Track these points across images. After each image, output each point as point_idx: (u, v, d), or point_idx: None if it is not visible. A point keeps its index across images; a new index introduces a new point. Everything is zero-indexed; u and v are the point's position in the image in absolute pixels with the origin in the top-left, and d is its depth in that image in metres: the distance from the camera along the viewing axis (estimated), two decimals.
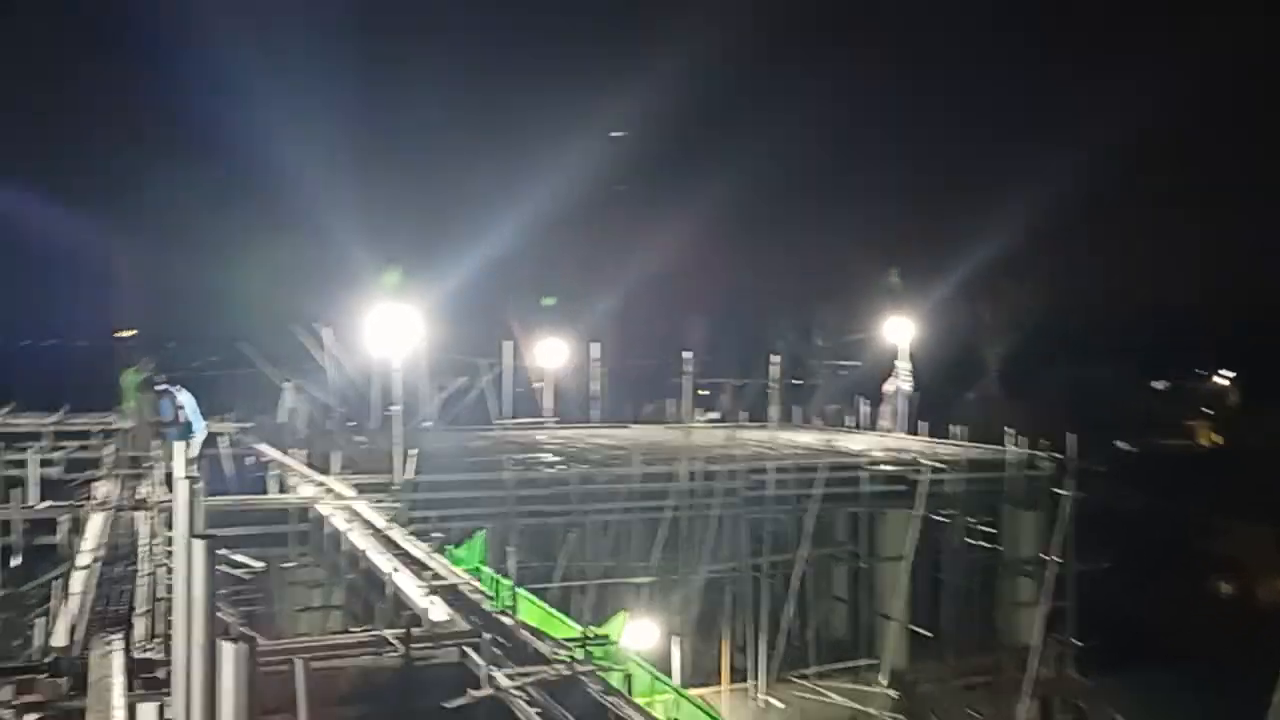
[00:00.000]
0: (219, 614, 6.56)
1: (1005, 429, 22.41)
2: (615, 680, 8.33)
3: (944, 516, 21.87)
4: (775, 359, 24.69)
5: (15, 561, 13.13)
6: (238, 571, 13.67)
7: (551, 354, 31.92)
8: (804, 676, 21.28)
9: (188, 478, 5.07)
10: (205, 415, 23.08)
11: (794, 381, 28.88)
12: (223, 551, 13.45)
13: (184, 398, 17.34)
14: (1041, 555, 21.16)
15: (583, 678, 7.77)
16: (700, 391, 29.55)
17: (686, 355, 23.28)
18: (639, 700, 8.43)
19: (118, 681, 6.86)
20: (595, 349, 30.86)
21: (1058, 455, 21.93)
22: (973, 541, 22.32)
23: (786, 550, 21.35)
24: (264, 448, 19.76)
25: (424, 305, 22.75)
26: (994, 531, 22.52)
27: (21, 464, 19.68)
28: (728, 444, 23.63)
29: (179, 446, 16.62)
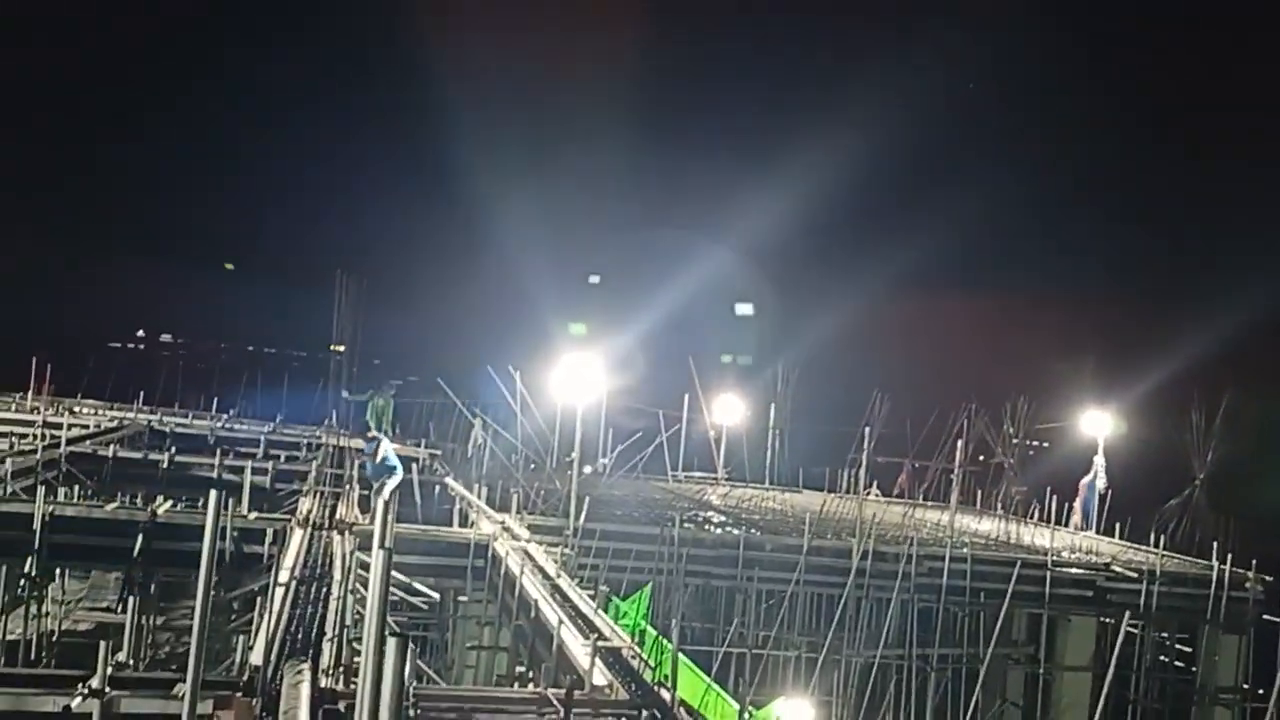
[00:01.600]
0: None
1: (1214, 542, 20.94)
2: None
3: (1134, 628, 20.58)
4: (960, 441, 23.99)
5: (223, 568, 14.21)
6: (416, 600, 14.41)
7: (728, 411, 32.08)
8: None
9: (383, 548, 5.47)
10: (401, 438, 24.50)
11: (977, 467, 27.92)
12: (403, 579, 14.24)
13: (387, 445, 18.52)
14: (1244, 686, 19.59)
15: None
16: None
17: (867, 428, 22.93)
18: None
19: (303, 714, 7.39)
20: (772, 410, 30.80)
21: (1268, 578, 20.31)
22: (1166, 659, 20.89)
23: (959, 644, 20.58)
24: (450, 480, 20.69)
25: (608, 355, 23.38)
26: (1190, 651, 21.00)
27: (239, 470, 21.39)
28: (903, 523, 23.06)
29: (392, 479, 17.69)
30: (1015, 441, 28.88)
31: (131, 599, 15.20)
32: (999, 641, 21.09)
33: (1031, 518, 26.57)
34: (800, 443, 31.63)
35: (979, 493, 27.81)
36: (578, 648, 10.91)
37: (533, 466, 22.21)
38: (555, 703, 9.04)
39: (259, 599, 13.94)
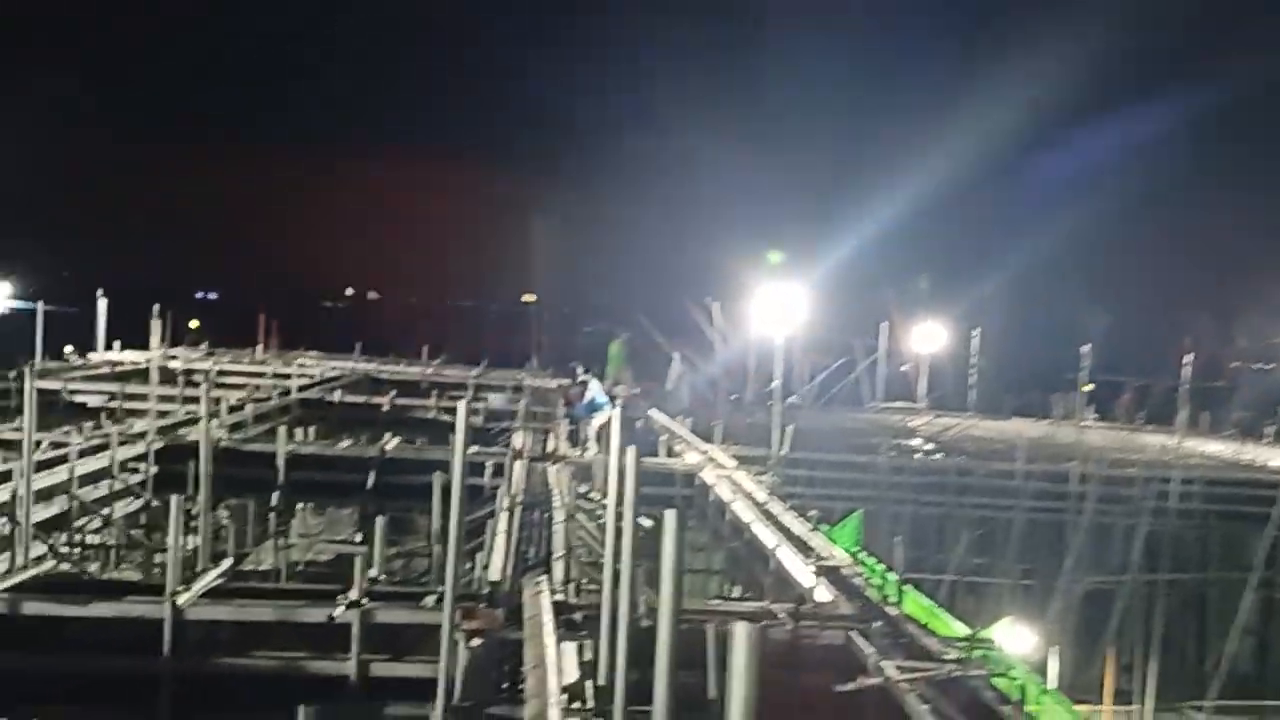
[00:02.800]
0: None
1: None
2: (1006, 686, 8.10)
3: None
4: (1187, 358, 22.40)
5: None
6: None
7: (929, 338, 31.11)
8: (1198, 709, 19.33)
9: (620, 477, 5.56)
10: (599, 379, 25.02)
11: (1207, 385, 26.05)
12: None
13: (594, 385, 18.99)
14: None
15: (975, 680, 7.64)
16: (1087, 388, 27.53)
17: (1084, 349, 21.74)
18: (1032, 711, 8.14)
19: (547, 620, 7.71)
20: (975, 336, 29.64)
21: None
22: None
23: (1187, 569, 19.44)
24: (654, 413, 21.03)
25: (806, 285, 23.02)
26: None
27: (453, 410, 22.40)
28: (1125, 447, 21.85)
29: (599, 416, 18.18)
30: (1243, 360, 26.82)
31: (367, 530, 16.24)
32: (1232, 565, 19.81)
33: (1262, 438, 24.68)
34: (1008, 369, 30.39)
35: (1206, 414, 26.01)
36: (797, 567, 10.92)
37: (734, 398, 22.28)
38: (782, 615, 9.09)
39: (487, 525, 14.66)
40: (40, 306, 24.70)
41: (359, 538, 21.24)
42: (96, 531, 13.45)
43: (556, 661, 6.80)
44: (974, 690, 7.64)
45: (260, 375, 25.15)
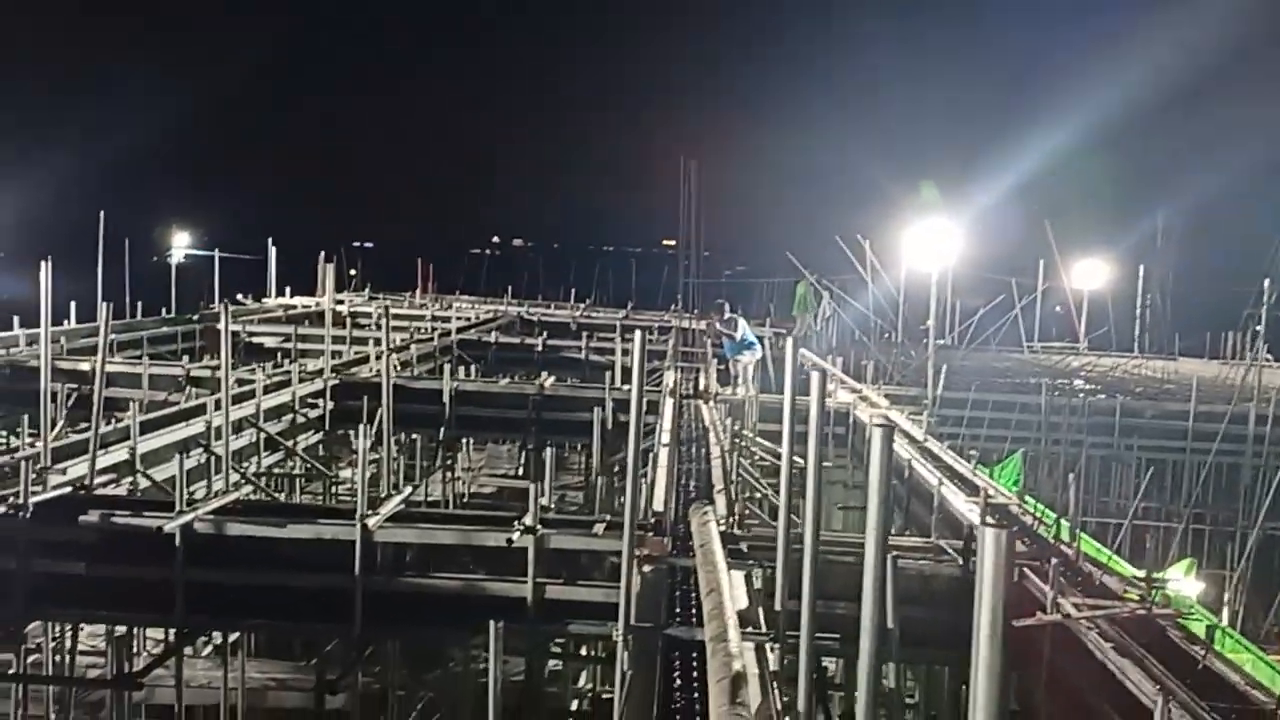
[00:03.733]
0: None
1: None
2: (1193, 628, 7.84)
3: None
4: None
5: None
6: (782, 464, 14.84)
7: (1090, 275, 29.78)
8: None
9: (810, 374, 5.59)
10: (747, 319, 24.97)
11: None
12: (770, 446, 14.68)
13: (743, 324, 19.02)
14: None
15: (1160, 620, 7.43)
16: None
17: (1264, 284, 20.45)
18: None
19: (718, 547, 7.86)
20: (1141, 271, 28.21)
21: None
22: None
23: None
24: (805, 352, 20.89)
25: (961, 219, 22.33)
26: None
27: (603, 351, 22.84)
28: None
29: (748, 354, 18.25)
30: None
31: (528, 463, 16.82)
32: None
33: None
34: (1178, 306, 28.83)
35: None
36: (960, 505, 10.77)
37: (885, 336, 21.90)
38: (950, 551, 9.02)
39: (646, 460, 14.93)
40: (217, 254, 26.21)
41: (519, 471, 22.09)
42: (280, 463, 14.30)
43: (730, 586, 6.94)
44: (1159, 630, 7.43)
45: (419, 318, 26.11)
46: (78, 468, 9.93)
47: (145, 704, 10.66)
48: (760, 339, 23.46)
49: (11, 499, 8.54)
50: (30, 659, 10.27)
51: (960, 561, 8.77)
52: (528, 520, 8.74)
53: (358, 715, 9.39)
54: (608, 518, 9.75)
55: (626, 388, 17.59)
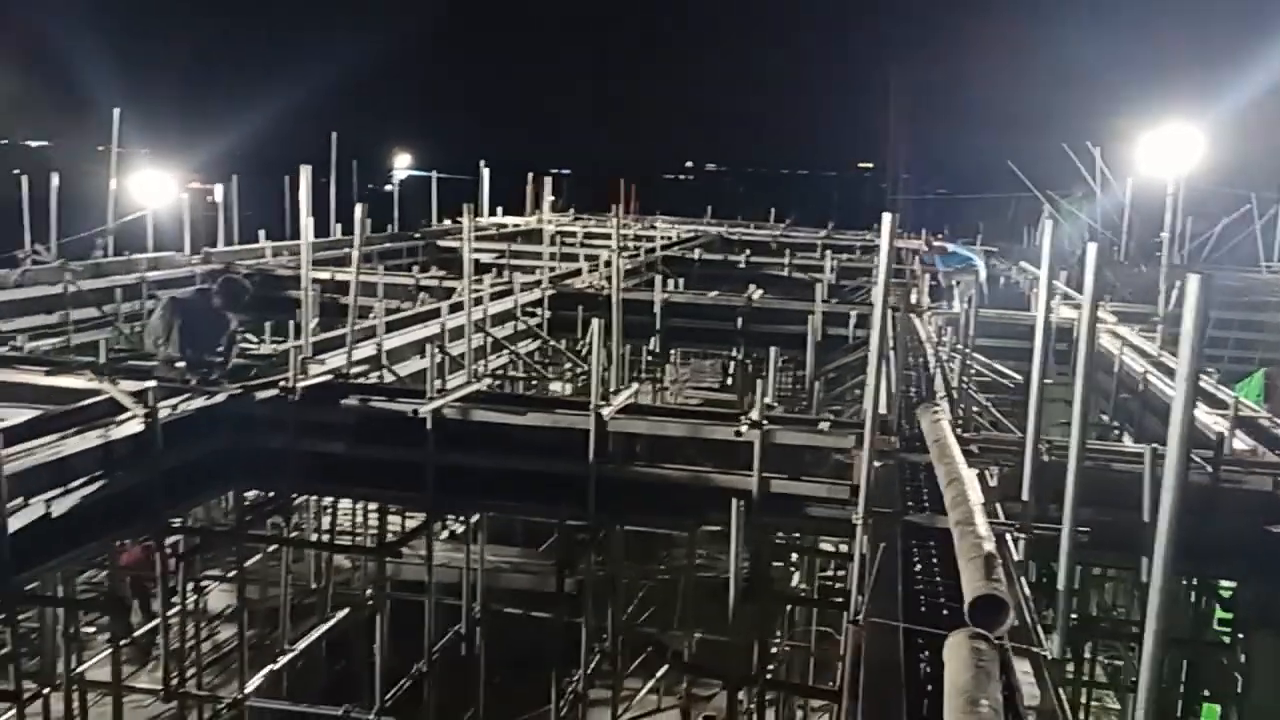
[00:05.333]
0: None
1: None
2: None
3: None
4: None
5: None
6: (1004, 381, 14.43)
7: None
8: None
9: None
10: (959, 239, 24.21)
11: None
12: (986, 361, 14.28)
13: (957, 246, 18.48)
14: None
15: None
16: None
17: None
18: None
19: (952, 441, 7.78)
20: None
21: None
22: None
23: None
24: (1025, 264, 20.08)
25: (1199, 127, 20.66)
26: None
27: (805, 269, 22.65)
28: None
29: (959, 269, 17.77)
30: None
31: (736, 375, 17.01)
32: None
33: None
34: None
35: None
36: (1205, 417, 10.22)
37: (1114, 247, 20.69)
38: (1197, 459, 8.59)
39: (858, 370, 14.85)
40: (435, 175, 27.40)
41: (731, 380, 22.35)
42: (500, 369, 15.02)
43: (971, 476, 6.88)
44: None
45: (623, 237, 26.53)
46: (334, 360, 10.76)
47: (392, 580, 11.57)
48: (976, 255, 22.75)
49: (282, 383, 9.35)
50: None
51: (1209, 470, 8.37)
52: (754, 415, 8.89)
53: (589, 600, 9.89)
54: (831, 416, 9.80)
55: (835, 301, 17.50)
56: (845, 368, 15.18)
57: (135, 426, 8.16)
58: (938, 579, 6.10)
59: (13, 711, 8.22)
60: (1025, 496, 6.65)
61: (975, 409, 12.80)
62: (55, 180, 15.75)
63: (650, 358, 17.50)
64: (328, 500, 12.76)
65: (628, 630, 12.15)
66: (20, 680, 7.99)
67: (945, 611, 5.61)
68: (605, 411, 9.03)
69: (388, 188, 33.73)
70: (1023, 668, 4.89)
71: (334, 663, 11.76)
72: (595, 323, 9.81)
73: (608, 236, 27.22)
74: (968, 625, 4.74)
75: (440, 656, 10.20)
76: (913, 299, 17.50)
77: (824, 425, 9.13)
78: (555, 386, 17.79)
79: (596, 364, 9.70)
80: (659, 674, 13.19)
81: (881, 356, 7.22)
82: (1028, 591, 6.04)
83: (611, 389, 10.06)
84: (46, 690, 8.26)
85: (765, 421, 8.90)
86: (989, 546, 5.56)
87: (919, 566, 6.32)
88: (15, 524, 7.09)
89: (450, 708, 9.90)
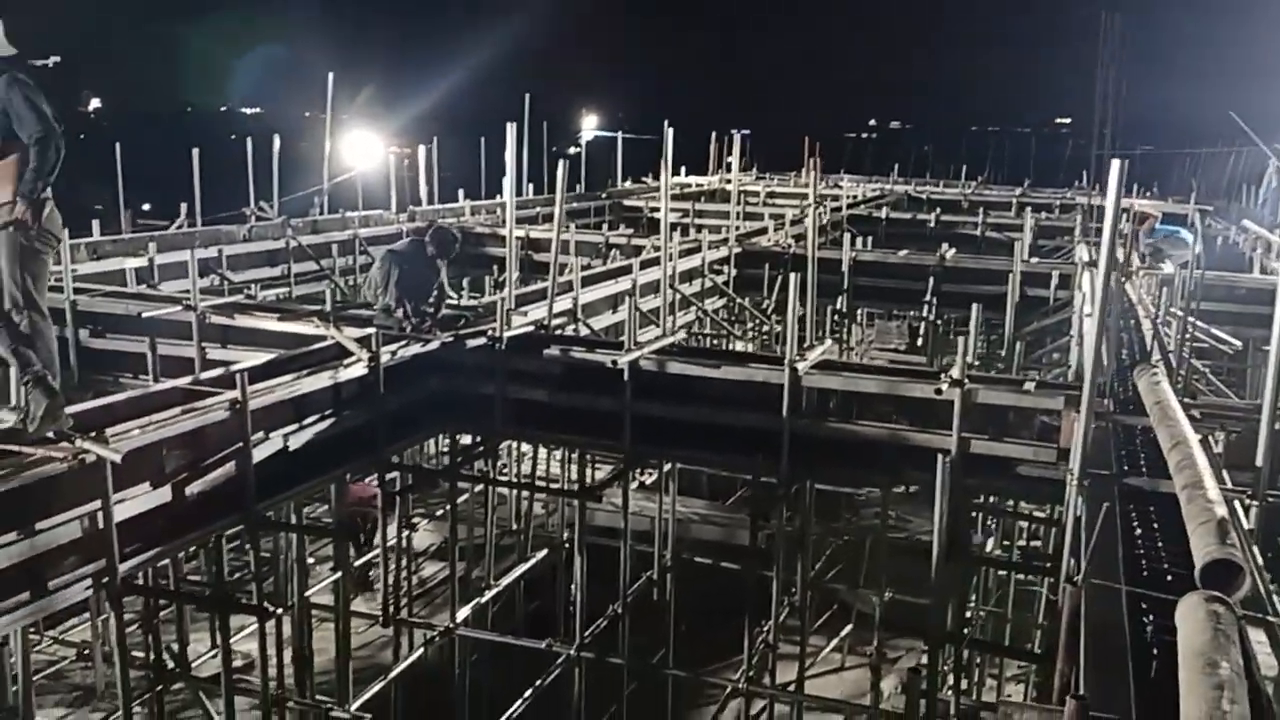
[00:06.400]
0: None
1: None
2: None
3: None
4: None
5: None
6: (1222, 346, 13.57)
7: None
8: None
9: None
10: (1169, 196, 22.70)
11: None
12: (1202, 325, 13.46)
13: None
14: None
15: None
16: None
17: None
18: None
19: (1175, 404, 7.41)
20: None
21: None
22: None
23: None
24: (1247, 224, 18.73)
25: None
26: None
27: (999, 228, 21.84)
28: None
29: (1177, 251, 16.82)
30: None
31: (926, 335, 16.63)
32: None
33: None
34: None
35: None
36: None
37: None
38: None
39: (1059, 330, 14.31)
40: (619, 135, 27.76)
41: (920, 342, 21.86)
42: (690, 324, 15.19)
43: (1196, 440, 6.55)
44: None
45: (804, 196, 26.22)
46: (535, 312, 11.16)
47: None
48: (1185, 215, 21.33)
49: (490, 332, 9.78)
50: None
51: None
52: (954, 373, 8.71)
53: (780, 553, 9.97)
54: (1036, 376, 9.49)
55: (1035, 260, 16.81)
56: (1044, 330, 14.62)
57: (359, 370, 8.73)
58: (1160, 544, 5.87)
59: (254, 625, 9.02)
60: (1260, 462, 6.28)
61: (1194, 375, 12.16)
62: (277, 142, 16.84)
63: (835, 317, 17.29)
64: (527, 446, 13.30)
65: (815, 586, 12.19)
66: (262, 599, 8.74)
67: (1169, 577, 5.41)
68: (800, 366, 9.04)
69: (571, 150, 34.38)
70: (1258, 637, 4.68)
71: (530, 601, 12.34)
72: (793, 277, 9.78)
73: (791, 196, 27.01)
74: (1199, 589, 4.57)
75: (632, 600, 10.53)
76: (1121, 259, 16.65)
77: (1029, 385, 8.85)
78: (739, 346, 17.86)
79: (791, 318, 9.69)
80: (843, 632, 13.21)
81: (1104, 314, 6.93)
82: (1260, 560, 5.74)
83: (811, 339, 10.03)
84: (279, 610, 9.01)
85: (967, 380, 8.70)
86: (1220, 511, 5.32)
87: (1139, 531, 6.09)
88: (258, 455, 7.73)
89: (643, 649, 10.21)
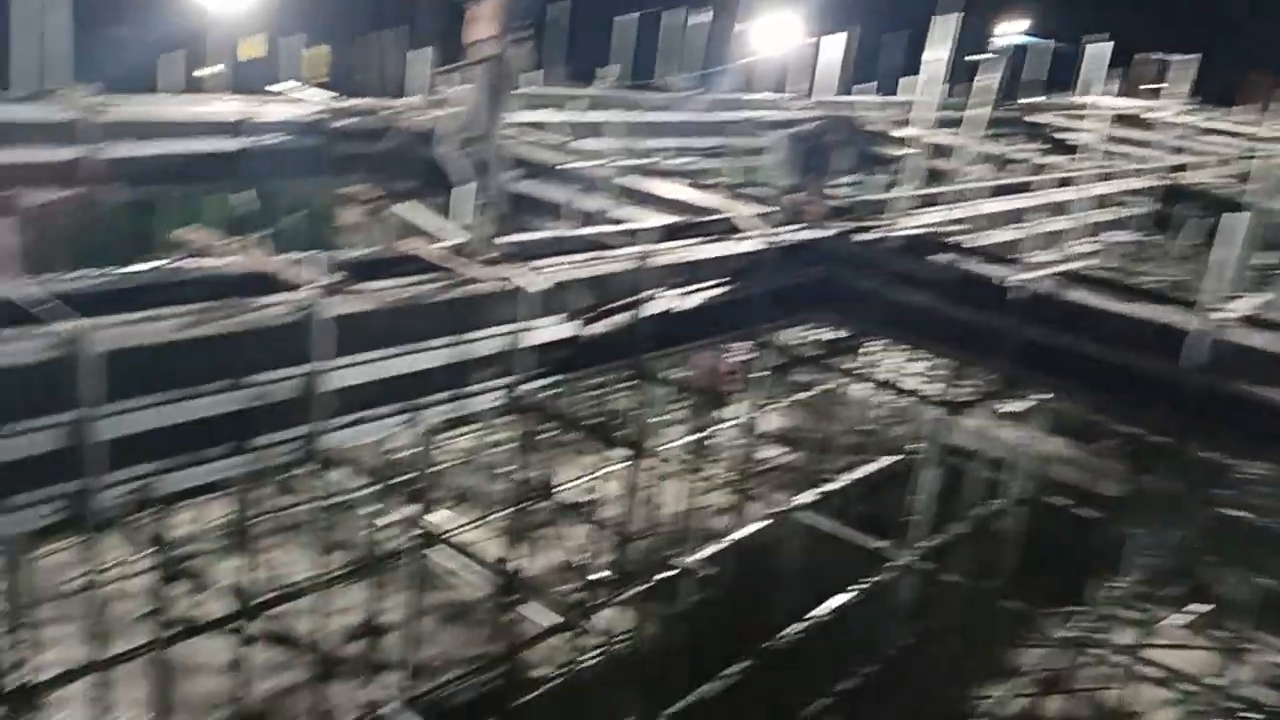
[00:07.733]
0: None
1: None
2: None
3: None
4: None
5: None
6: None
7: None
8: None
9: None
10: None
11: None
12: None
13: None
14: None
15: None
16: None
17: None
18: None
19: None
20: None
21: None
22: None
23: None
24: None
25: None
26: None
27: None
28: None
29: None
30: None
31: None
32: None
33: None
34: None
35: None
36: None
37: None
38: None
39: None
40: (1038, 43, 25.68)
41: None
42: (1091, 254, 14.11)
43: None
44: None
45: (1249, 136, 23.14)
46: (927, 217, 10.85)
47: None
48: None
49: (880, 230, 9.67)
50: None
51: None
52: None
53: (1151, 514, 9.28)
54: None
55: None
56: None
57: (751, 246, 8.99)
58: None
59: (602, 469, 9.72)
60: None
61: None
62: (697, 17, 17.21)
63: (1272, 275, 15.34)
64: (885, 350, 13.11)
65: (1182, 556, 11.26)
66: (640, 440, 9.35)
67: None
68: (1217, 315, 8.18)
69: (983, 56, 32.25)
70: None
71: (866, 502, 12.37)
72: (1225, 218, 8.79)
73: (1230, 134, 23.86)
74: None
75: (974, 527, 10.31)
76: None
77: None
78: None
79: (1216, 265, 8.74)
80: (1198, 610, 12.16)
81: None
82: None
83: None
84: (652, 450, 9.53)
85: None
86: None
87: None
88: (650, 310, 8.25)
89: (975, 574, 10.03)
